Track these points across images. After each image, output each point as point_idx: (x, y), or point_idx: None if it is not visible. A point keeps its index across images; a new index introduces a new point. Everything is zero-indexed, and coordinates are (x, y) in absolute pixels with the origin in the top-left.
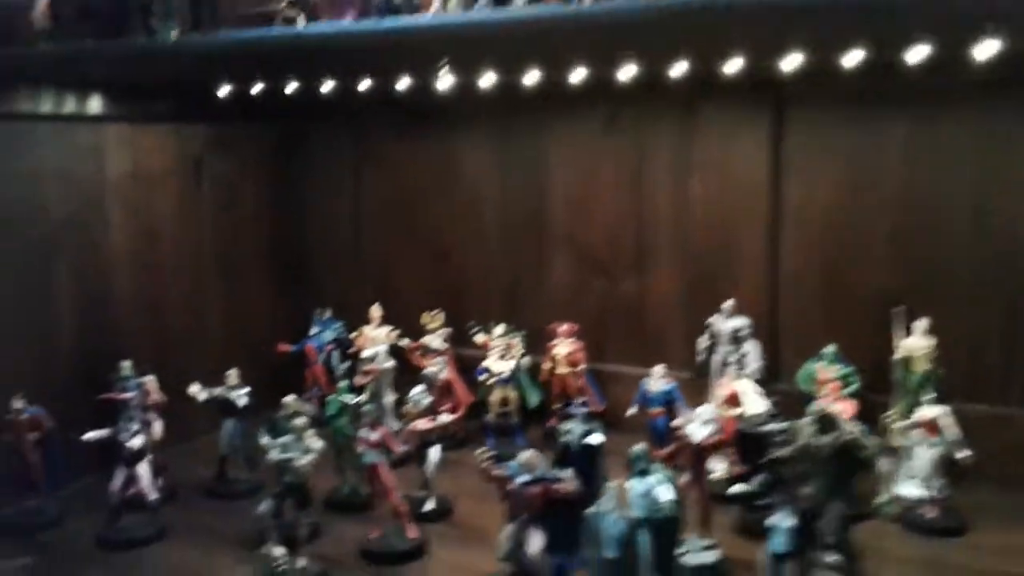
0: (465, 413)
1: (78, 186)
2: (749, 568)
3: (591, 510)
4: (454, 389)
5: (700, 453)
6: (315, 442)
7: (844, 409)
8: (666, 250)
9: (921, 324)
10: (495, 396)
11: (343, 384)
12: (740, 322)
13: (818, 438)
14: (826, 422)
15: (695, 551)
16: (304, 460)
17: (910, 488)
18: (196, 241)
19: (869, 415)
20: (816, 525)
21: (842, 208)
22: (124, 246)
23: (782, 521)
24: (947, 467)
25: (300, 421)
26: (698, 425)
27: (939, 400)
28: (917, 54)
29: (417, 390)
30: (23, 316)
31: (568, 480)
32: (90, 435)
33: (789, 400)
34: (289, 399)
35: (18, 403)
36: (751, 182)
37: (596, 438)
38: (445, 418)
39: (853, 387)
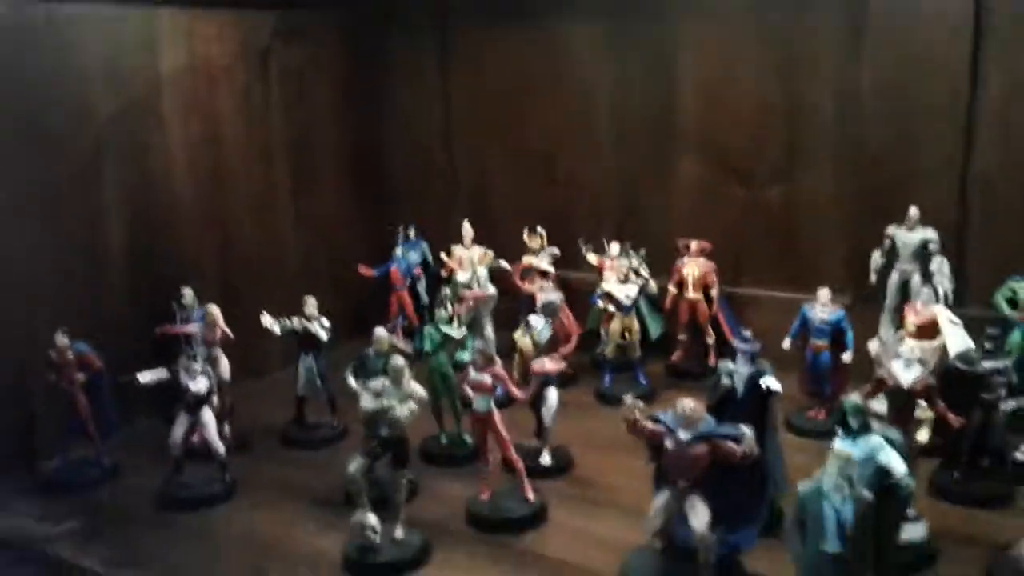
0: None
1: (128, 83)
2: (959, 541)
3: (807, 487)
4: (562, 318)
5: (907, 400)
6: (417, 388)
7: None
8: (823, 150)
9: None
10: (614, 326)
11: (442, 313)
12: (929, 233)
13: None
14: None
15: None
16: (404, 410)
17: None
18: (264, 146)
19: None
20: None
21: None
22: (181, 151)
23: None
24: None
25: (399, 362)
26: (903, 365)
27: None
28: None
29: (538, 320)
30: (67, 237)
31: (746, 440)
32: (146, 376)
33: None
34: (381, 331)
35: (62, 339)
36: (941, 61)
37: (772, 383)
38: (554, 363)
39: None
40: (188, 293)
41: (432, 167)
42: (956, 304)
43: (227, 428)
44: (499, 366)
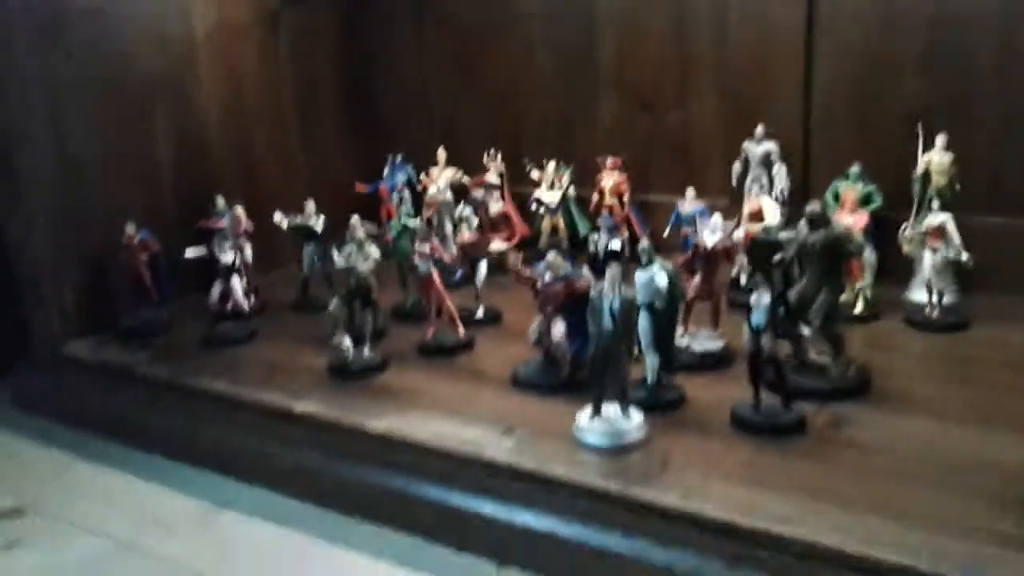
0: (520, 243)
1: (170, 45)
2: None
3: (593, 293)
4: (510, 220)
5: (710, 258)
6: (374, 250)
7: (856, 221)
8: (706, 80)
9: (940, 139)
10: (544, 224)
11: (405, 210)
12: (771, 145)
13: (810, 235)
14: (817, 219)
15: (703, 340)
16: (364, 264)
17: (917, 293)
18: (277, 91)
19: (894, 232)
20: (799, 309)
21: (875, 28)
22: (213, 96)
23: (760, 299)
24: (955, 275)
25: (360, 233)
26: (709, 232)
27: (945, 209)
28: None
29: (462, 208)
30: (130, 160)
31: (585, 278)
32: (190, 251)
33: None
34: (354, 219)
35: (130, 228)
36: (787, 4)
37: (615, 244)
38: (498, 245)
39: (875, 204)
40: (220, 201)
41: (412, 104)
42: (802, 201)
43: (252, 299)
44: (436, 241)
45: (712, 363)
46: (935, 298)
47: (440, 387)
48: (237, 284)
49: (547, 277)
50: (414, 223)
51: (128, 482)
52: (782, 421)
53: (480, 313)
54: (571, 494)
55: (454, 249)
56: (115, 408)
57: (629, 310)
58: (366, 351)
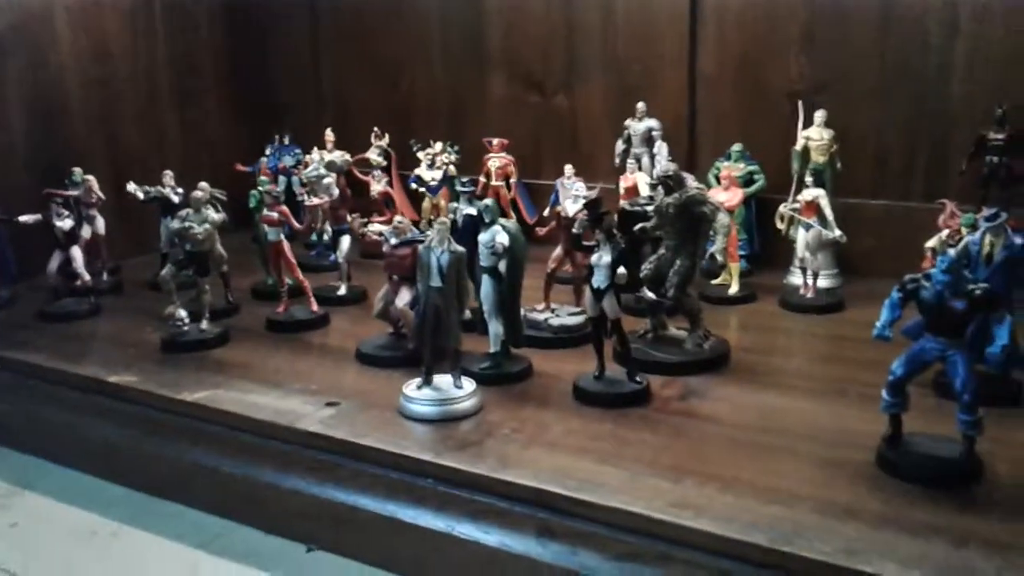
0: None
1: (23, 1)
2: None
3: (422, 246)
4: (392, 201)
5: (571, 227)
6: (214, 214)
7: (731, 197)
8: (592, 62)
9: (819, 115)
10: (426, 205)
11: (262, 179)
12: (652, 123)
13: (667, 198)
14: (672, 182)
15: (562, 315)
16: (200, 228)
17: (794, 276)
18: (150, 61)
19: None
20: (656, 278)
21: (757, 8)
22: (73, 61)
23: (601, 259)
24: (834, 257)
25: (198, 194)
26: (571, 202)
27: (822, 186)
28: None
29: (311, 168)
30: None
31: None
32: (24, 217)
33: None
34: (203, 184)
35: None
36: None
37: (470, 209)
38: (377, 227)
39: (758, 184)
40: (77, 171)
41: (303, 84)
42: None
43: (106, 276)
44: (284, 207)
45: (569, 338)
46: (809, 279)
47: (276, 361)
48: (78, 254)
49: (392, 241)
50: (274, 192)
51: None
52: (622, 391)
53: (343, 290)
54: (382, 466)
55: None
56: None
57: (458, 264)
58: (204, 324)
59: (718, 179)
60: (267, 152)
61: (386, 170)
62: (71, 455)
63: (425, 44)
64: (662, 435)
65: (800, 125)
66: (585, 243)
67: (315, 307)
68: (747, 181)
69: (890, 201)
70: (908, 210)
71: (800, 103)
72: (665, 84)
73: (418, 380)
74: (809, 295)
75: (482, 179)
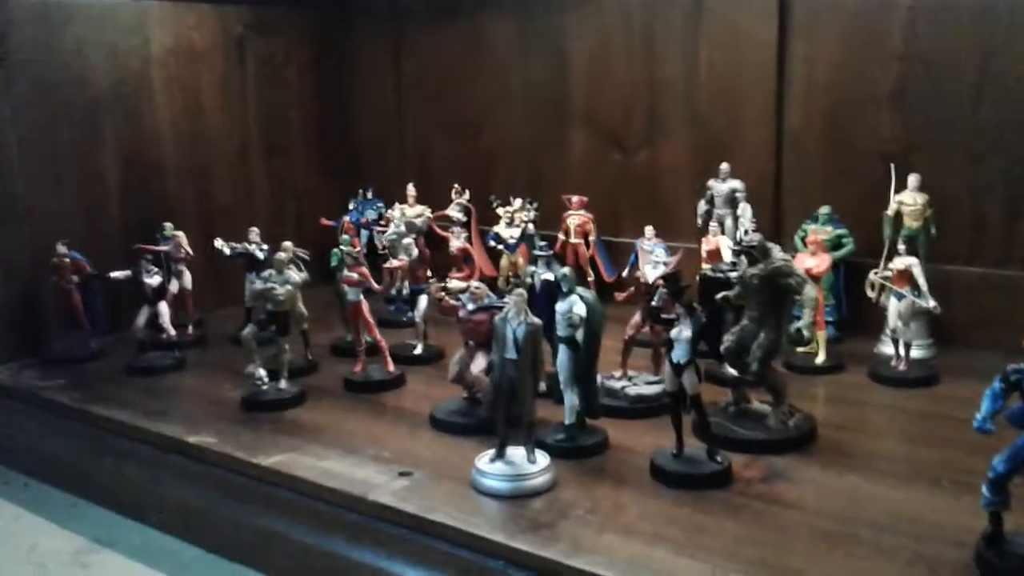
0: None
1: (122, 59)
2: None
3: (498, 317)
4: (471, 257)
5: (651, 294)
6: (295, 275)
7: (819, 263)
8: (674, 119)
9: (913, 179)
10: (504, 263)
11: (344, 238)
12: (736, 183)
13: (751, 268)
14: (757, 252)
15: (640, 384)
16: (282, 289)
17: (885, 346)
18: (241, 117)
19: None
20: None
21: (846, 66)
22: (167, 118)
23: (681, 332)
24: (927, 327)
25: (281, 255)
26: (651, 267)
27: (916, 255)
28: None
29: (391, 230)
30: (74, 177)
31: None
32: (115, 274)
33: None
34: (286, 244)
35: (61, 248)
36: (758, 44)
37: (549, 275)
38: (456, 283)
39: (847, 249)
40: (168, 226)
41: (386, 138)
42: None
43: (191, 329)
44: (364, 267)
45: (647, 409)
46: (902, 350)
47: (351, 424)
48: (165, 310)
49: (469, 306)
50: (354, 252)
51: (16, 515)
52: (702, 472)
53: (419, 349)
54: (453, 544)
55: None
56: (18, 436)
57: (535, 337)
58: (283, 383)
59: (804, 242)
60: (351, 207)
61: (465, 226)
62: (150, 514)
63: (506, 100)
64: (743, 523)
65: (892, 189)
66: (664, 316)
67: (391, 367)
68: (835, 245)
69: (988, 269)
70: (1007, 279)
71: (892, 166)
72: (750, 142)
73: (491, 452)
74: (901, 367)
75: (560, 237)
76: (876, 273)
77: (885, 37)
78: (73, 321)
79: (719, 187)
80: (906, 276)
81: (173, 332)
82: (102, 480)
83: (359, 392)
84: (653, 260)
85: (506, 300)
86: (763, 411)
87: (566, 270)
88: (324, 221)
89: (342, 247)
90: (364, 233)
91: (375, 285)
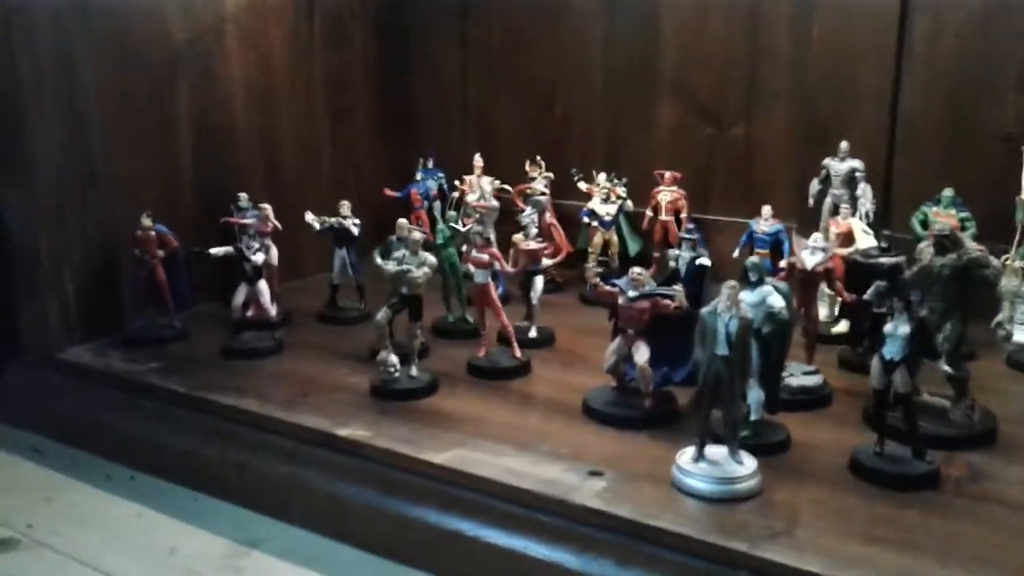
0: (564, 260)
1: (198, 15)
2: (849, 394)
3: (706, 310)
4: (554, 235)
5: (810, 280)
6: (429, 257)
7: None
8: (777, 93)
9: None
10: (596, 239)
11: (451, 214)
12: (856, 163)
13: (940, 258)
14: (948, 241)
15: (798, 374)
16: (419, 272)
17: (1020, 333)
18: (307, 75)
19: None
20: (933, 339)
21: (972, 43)
22: (240, 78)
23: (897, 328)
24: None
25: (416, 235)
26: (809, 253)
27: None
28: None
29: (527, 212)
30: (149, 138)
31: (677, 296)
32: (216, 250)
33: (900, 245)
34: (403, 221)
35: (146, 220)
36: (877, 16)
37: (704, 260)
38: (546, 262)
39: (970, 232)
40: (243, 196)
41: (449, 106)
42: (882, 226)
43: (275, 306)
44: (494, 247)
45: (809, 401)
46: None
47: (502, 415)
48: (264, 288)
49: (631, 293)
50: (464, 228)
51: (137, 513)
52: (914, 472)
53: (534, 332)
54: (681, 552)
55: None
56: (120, 425)
57: (747, 333)
58: (413, 370)
59: (923, 225)
60: (418, 177)
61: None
62: (294, 512)
63: (585, 66)
64: (983, 526)
65: None
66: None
67: (518, 353)
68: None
69: None
70: None
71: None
72: (862, 121)
73: (691, 451)
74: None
75: (648, 213)
76: (1008, 260)
77: (1014, 15)
78: (156, 298)
79: (837, 166)
80: None
81: (274, 313)
82: (229, 474)
83: (486, 378)
84: (811, 246)
85: (675, 288)
86: (941, 405)
87: (755, 259)
88: (389, 192)
89: (450, 223)
90: (426, 205)
91: (507, 267)
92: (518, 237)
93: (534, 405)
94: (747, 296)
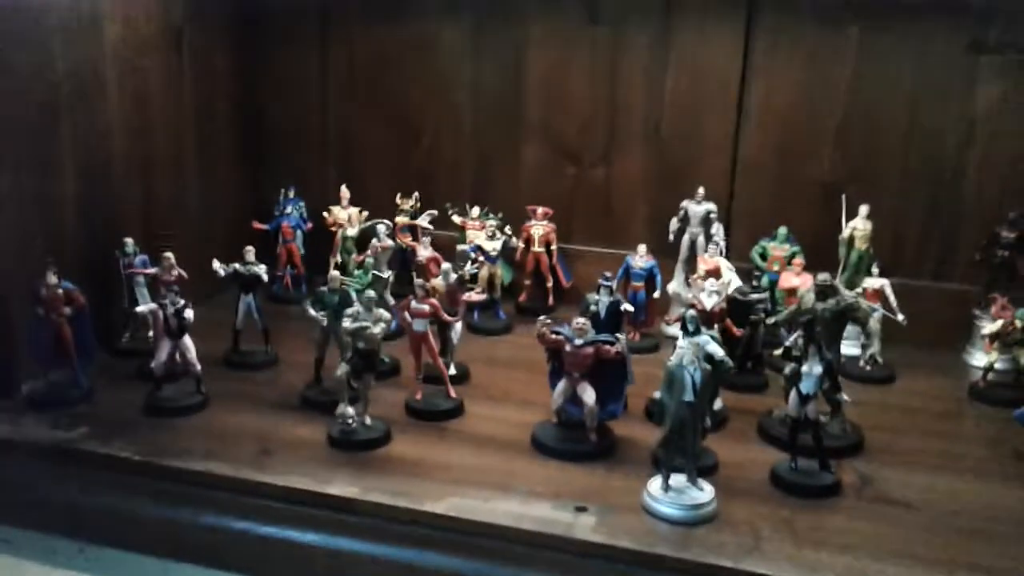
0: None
1: (79, 44)
2: (740, 412)
3: (672, 362)
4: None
5: (708, 319)
6: (384, 313)
7: (803, 280)
8: (634, 140)
9: (863, 209)
10: (483, 273)
11: (369, 259)
12: (711, 206)
13: (821, 303)
14: (826, 290)
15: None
16: (377, 328)
17: (850, 348)
18: (178, 106)
19: None
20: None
21: (798, 106)
22: (118, 111)
23: (812, 368)
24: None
25: (371, 293)
26: (707, 295)
27: (883, 274)
28: None
29: (468, 262)
30: (30, 182)
31: (618, 343)
32: (141, 308)
33: (740, 274)
34: (335, 273)
35: (52, 277)
36: (722, 80)
37: (626, 306)
38: (475, 296)
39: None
40: (129, 242)
41: (309, 135)
42: (726, 257)
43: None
44: (434, 299)
45: (716, 425)
46: (869, 352)
47: (464, 458)
48: (190, 344)
49: (577, 341)
50: (386, 274)
51: None
52: (824, 482)
53: (452, 369)
54: (680, 574)
55: (390, 300)
56: (39, 495)
57: (708, 381)
58: (367, 420)
59: (763, 257)
60: (287, 210)
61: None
62: (287, 572)
63: (452, 106)
64: (890, 525)
65: (844, 217)
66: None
67: (452, 393)
68: (788, 260)
69: (903, 279)
70: (916, 288)
71: (844, 197)
72: (706, 168)
73: (659, 481)
74: (868, 368)
75: (521, 245)
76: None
77: (832, 82)
78: (60, 355)
79: (695, 208)
80: (879, 294)
81: (199, 368)
82: (204, 540)
83: (426, 420)
84: (708, 289)
85: (617, 336)
86: (821, 421)
87: (692, 312)
88: (257, 225)
89: (374, 271)
90: (299, 235)
91: (447, 316)
92: (438, 283)
93: (488, 445)
94: (683, 342)
